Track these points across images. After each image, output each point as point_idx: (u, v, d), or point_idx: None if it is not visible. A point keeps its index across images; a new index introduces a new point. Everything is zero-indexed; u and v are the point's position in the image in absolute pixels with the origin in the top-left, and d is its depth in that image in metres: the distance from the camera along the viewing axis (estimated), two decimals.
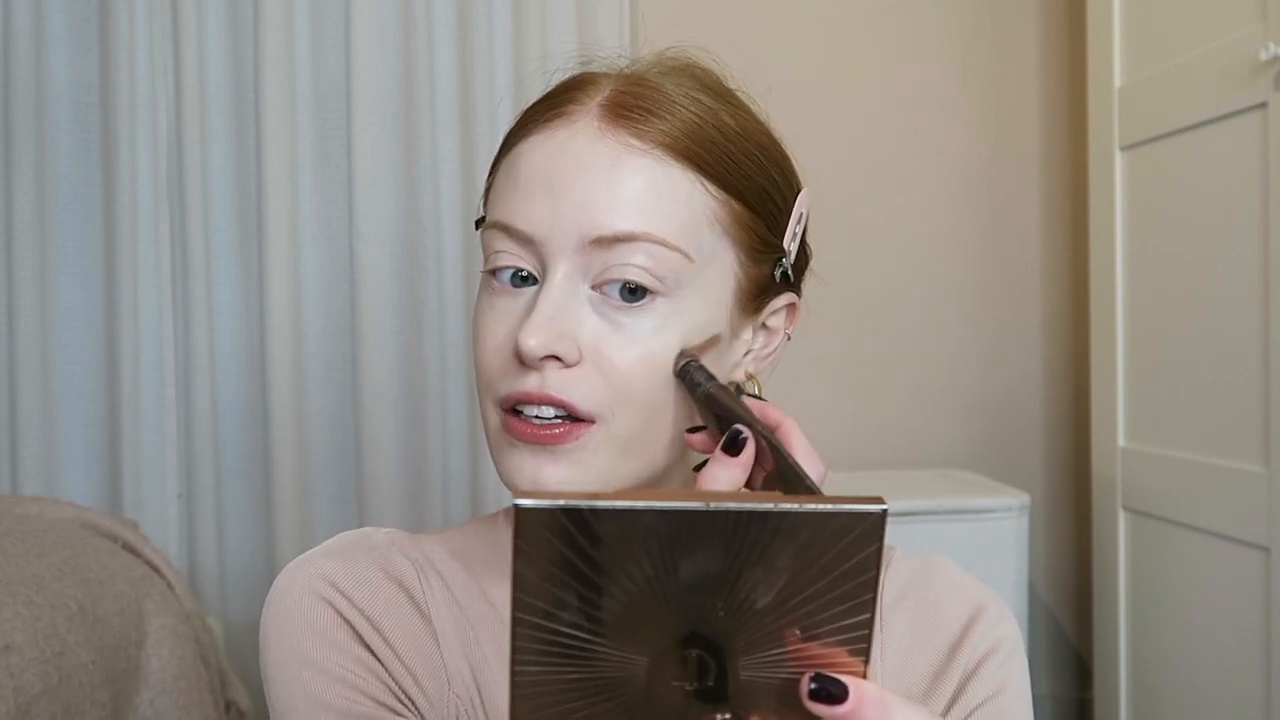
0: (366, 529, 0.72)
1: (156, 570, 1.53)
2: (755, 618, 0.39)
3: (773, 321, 0.70)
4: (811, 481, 0.55)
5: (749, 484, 0.58)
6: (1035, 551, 2.20)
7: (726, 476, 0.56)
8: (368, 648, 0.66)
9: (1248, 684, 1.61)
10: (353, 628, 0.66)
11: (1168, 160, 1.78)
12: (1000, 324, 2.28)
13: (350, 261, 1.93)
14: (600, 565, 0.38)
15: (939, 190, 2.25)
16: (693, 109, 0.64)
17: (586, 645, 0.39)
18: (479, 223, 0.71)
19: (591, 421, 0.61)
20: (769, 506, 0.38)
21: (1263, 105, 1.53)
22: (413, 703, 0.66)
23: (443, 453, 1.94)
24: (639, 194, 0.61)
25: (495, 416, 0.64)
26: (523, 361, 0.61)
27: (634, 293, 0.61)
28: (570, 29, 1.97)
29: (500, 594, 0.69)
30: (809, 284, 0.74)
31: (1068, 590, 2.29)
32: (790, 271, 0.69)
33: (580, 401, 0.61)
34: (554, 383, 0.61)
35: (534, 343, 0.59)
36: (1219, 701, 1.69)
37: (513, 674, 0.39)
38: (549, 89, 0.68)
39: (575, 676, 0.39)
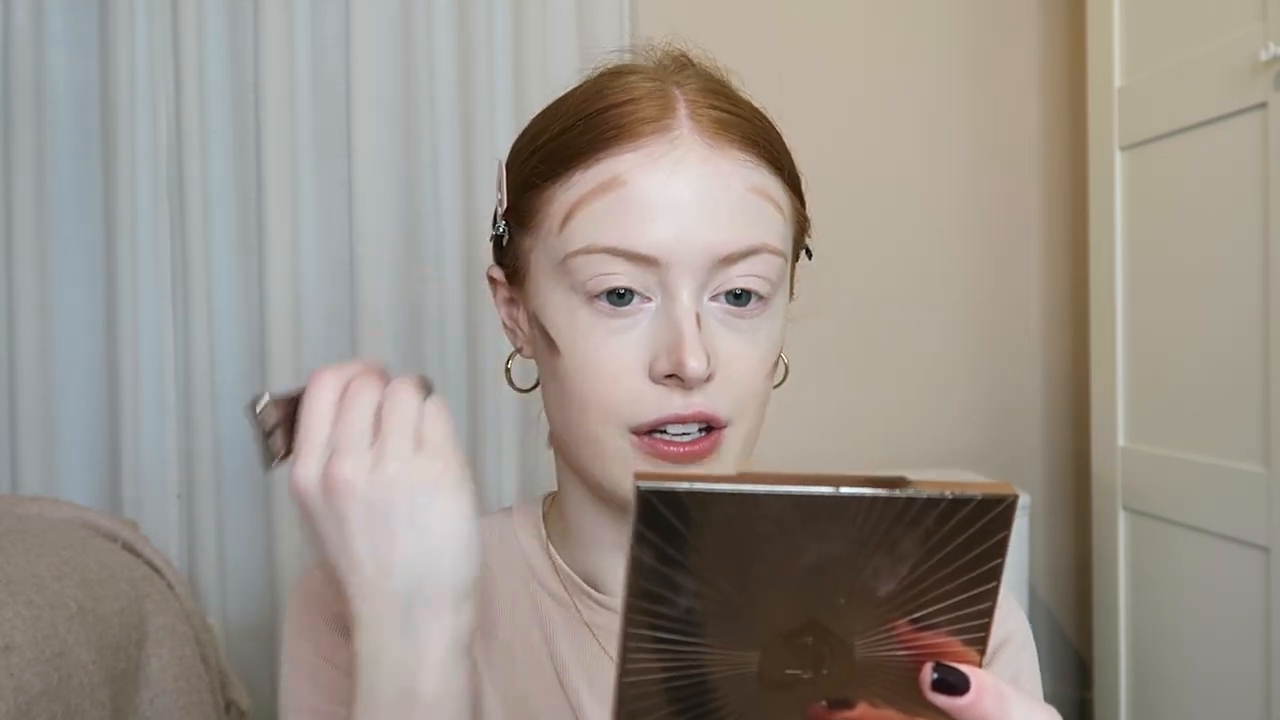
0: None
1: (156, 570, 1.53)
2: (875, 605, 0.38)
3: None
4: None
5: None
6: (1035, 551, 2.20)
7: None
8: None
9: (1248, 684, 1.61)
10: None
11: (1168, 160, 1.78)
12: (1000, 324, 2.28)
13: (350, 261, 1.93)
14: (721, 550, 0.36)
15: (939, 190, 2.25)
16: (752, 112, 0.65)
17: (699, 634, 0.37)
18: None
19: (724, 427, 0.62)
20: (898, 493, 0.37)
21: (1263, 105, 1.53)
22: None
23: None
24: (755, 208, 0.62)
25: (622, 442, 0.62)
26: (663, 382, 0.61)
27: (739, 297, 0.62)
28: (570, 29, 1.97)
29: (519, 581, 0.72)
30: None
31: (1068, 590, 2.29)
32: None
33: (722, 412, 0.62)
34: (698, 399, 0.61)
35: (697, 364, 0.59)
36: (1219, 701, 1.69)
37: (621, 664, 0.37)
38: (594, 91, 0.65)
39: (685, 666, 0.38)
